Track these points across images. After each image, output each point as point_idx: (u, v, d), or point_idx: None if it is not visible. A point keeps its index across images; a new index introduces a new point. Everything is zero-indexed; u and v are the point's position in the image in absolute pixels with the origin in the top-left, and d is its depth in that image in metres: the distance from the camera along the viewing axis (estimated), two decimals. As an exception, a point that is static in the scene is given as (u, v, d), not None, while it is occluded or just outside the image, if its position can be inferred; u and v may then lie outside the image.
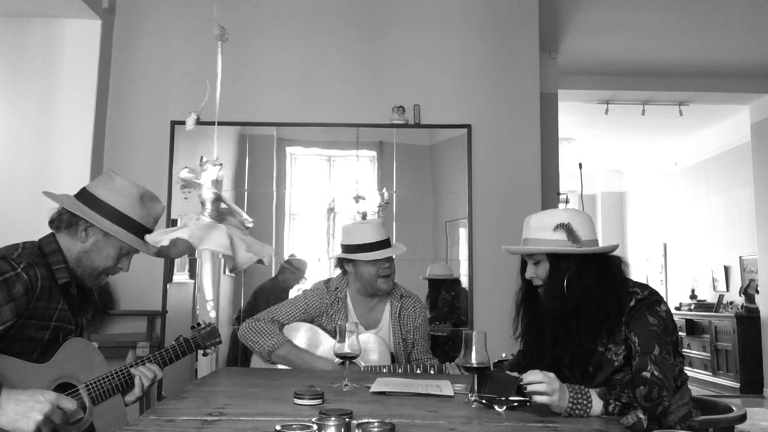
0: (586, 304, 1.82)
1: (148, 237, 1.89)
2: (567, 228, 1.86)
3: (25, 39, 4.13)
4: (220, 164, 2.27)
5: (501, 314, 4.02)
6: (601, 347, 1.83)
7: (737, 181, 7.83)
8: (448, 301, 4.24)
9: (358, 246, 2.62)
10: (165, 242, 1.95)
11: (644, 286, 1.87)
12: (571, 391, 1.59)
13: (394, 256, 2.69)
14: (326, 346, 2.57)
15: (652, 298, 1.82)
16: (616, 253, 1.95)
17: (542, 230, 1.89)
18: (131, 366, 1.92)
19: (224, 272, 4.26)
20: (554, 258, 1.87)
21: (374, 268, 2.61)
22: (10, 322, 1.65)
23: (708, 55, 5.86)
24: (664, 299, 1.87)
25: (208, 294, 2.37)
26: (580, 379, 1.83)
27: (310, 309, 2.66)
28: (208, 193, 2.27)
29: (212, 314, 2.28)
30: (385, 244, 2.65)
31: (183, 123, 4.23)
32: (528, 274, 1.94)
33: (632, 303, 1.81)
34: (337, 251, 2.77)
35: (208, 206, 2.22)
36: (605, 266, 1.88)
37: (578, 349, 1.84)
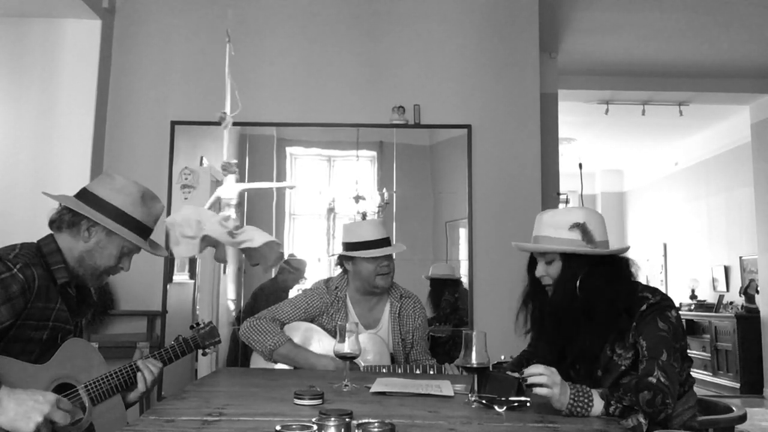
0: (596, 305, 1.79)
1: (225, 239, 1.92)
2: (582, 228, 1.83)
3: (25, 39, 4.13)
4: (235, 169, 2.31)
5: (501, 314, 4.03)
6: (609, 352, 1.81)
7: (737, 181, 7.82)
8: (451, 303, 4.23)
9: (358, 243, 2.64)
10: (253, 244, 1.99)
11: (655, 291, 1.85)
12: (573, 389, 1.59)
13: (393, 255, 2.69)
14: (326, 345, 2.57)
15: (663, 303, 1.80)
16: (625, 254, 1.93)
17: (557, 228, 1.85)
18: (134, 363, 1.93)
19: (224, 272, 4.27)
20: (567, 258, 1.83)
21: (373, 266, 2.62)
22: (8, 322, 1.65)
23: (708, 55, 5.86)
24: (675, 305, 1.85)
25: (230, 294, 2.38)
26: (586, 383, 1.82)
27: (311, 308, 2.66)
28: (234, 197, 2.31)
29: (233, 310, 2.27)
30: (384, 242, 2.66)
31: (183, 123, 4.27)
32: (538, 273, 1.90)
33: (643, 308, 1.79)
34: (338, 250, 2.78)
35: (234, 210, 2.26)
36: (617, 268, 1.86)
37: (586, 350, 1.81)
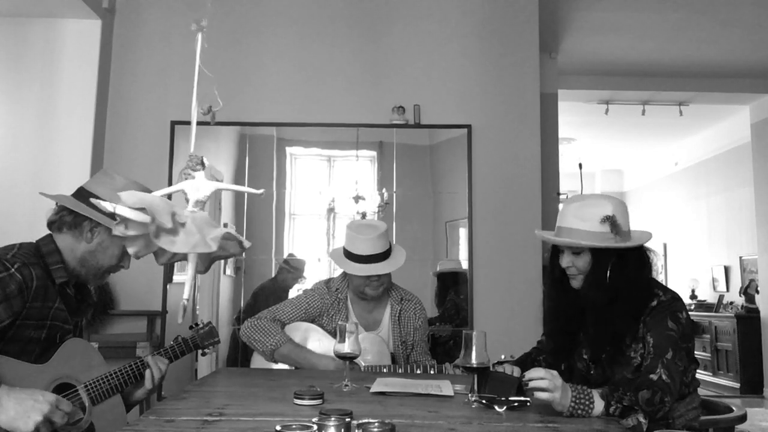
0: (625, 293, 1.81)
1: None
2: (612, 220, 1.84)
3: (25, 39, 4.13)
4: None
5: (501, 314, 4.05)
6: (627, 350, 1.82)
7: (737, 181, 7.82)
8: (456, 303, 4.22)
9: (351, 254, 2.59)
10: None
11: (667, 289, 1.86)
12: (574, 391, 1.59)
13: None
14: (326, 345, 2.57)
15: (675, 304, 1.81)
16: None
17: (586, 221, 1.85)
18: (144, 358, 1.93)
19: (224, 272, 4.27)
20: (597, 251, 1.84)
21: (362, 279, 2.59)
22: (6, 321, 1.65)
23: (708, 55, 5.86)
24: (685, 305, 1.86)
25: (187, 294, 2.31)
26: (601, 373, 1.84)
27: (311, 309, 2.66)
28: (205, 196, 2.27)
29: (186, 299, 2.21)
30: (380, 257, 2.58)
31: (183, 123, 4.26)
32: (565, 263, 1.89)
33: (654, 303, 1.80)
34: (338, 248, 2.75)
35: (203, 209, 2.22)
36: (642, 255, 1.88)
37: (613, 337, 1.82)
